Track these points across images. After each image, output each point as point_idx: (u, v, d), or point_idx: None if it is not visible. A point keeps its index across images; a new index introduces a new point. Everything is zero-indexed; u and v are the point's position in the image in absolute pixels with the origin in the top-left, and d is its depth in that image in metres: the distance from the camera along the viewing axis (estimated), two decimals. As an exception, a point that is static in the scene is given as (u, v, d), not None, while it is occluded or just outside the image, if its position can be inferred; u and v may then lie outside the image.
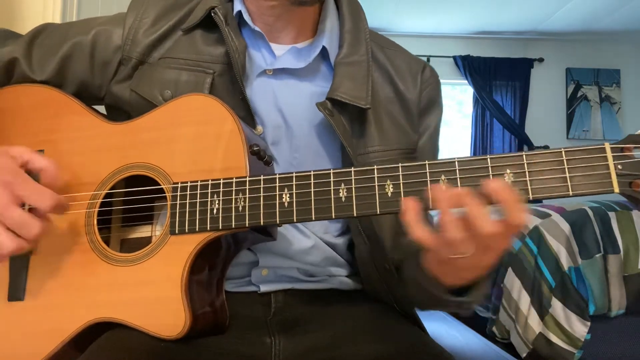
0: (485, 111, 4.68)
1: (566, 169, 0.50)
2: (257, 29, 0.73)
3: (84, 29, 0.75)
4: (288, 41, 0.76)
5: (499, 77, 4.70)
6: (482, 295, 0.60)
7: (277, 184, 0.57)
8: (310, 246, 0.72)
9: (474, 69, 4.66)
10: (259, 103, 0.71)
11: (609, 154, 0.50)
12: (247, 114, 0.69)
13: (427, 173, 0.53)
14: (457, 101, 4.94)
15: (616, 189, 0.49)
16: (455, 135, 4.83)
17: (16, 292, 0.64)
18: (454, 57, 4.73)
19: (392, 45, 0.83)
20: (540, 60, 4.80)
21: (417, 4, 4.15)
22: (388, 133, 0.74)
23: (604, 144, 0.50)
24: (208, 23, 0.72)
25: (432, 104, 0.80)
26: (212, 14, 0.70)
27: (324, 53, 0.74)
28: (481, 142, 4.66)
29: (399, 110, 0.76)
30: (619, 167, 0.49)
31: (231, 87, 0.70)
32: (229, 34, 0.69)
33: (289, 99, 0.72)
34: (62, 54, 0.73)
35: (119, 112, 0.74)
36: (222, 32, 0.70)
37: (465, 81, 4.69)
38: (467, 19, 4.48)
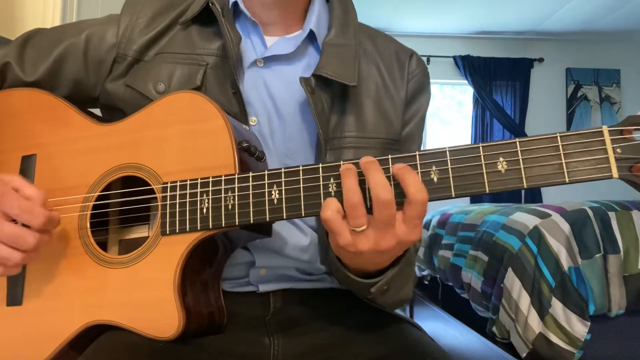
0: (485, 111, 4.68)
1: (562, 155, 0.48)
2: (253, 20, 0.74)
3: (76, 30, 0.75)
4: (278, 33, 0.77)
5: (499, 77, 4.70)
6: (392, 288, 0.62)
7: (266, 181, 0.56)
8: (307, 244, 0.71)
9: (474, 69, 4.66)
10: (251, 94, 0.72)
11: (607, 138, 0.47)
12: (240, 106, 0.69)
13: (418, 164, 0.51)
14: (457, 101, 4.94)
15: (615, 174, 0.47)
16: (455, 135, 4.83)
17: (14, 297, 0.64)
18: (454, 57, 4.73)
19: (380, 35, 0.84)
20: (540, 60, 4.80)
21: (417, 3, 4.15)
22: (367, 121, 0.74)
23: (601, 128, 0.47)
24: (204, 17, 0.73)
25: (419, 92, 0.80)
26: (210, 5, 0.71)
27: (312, 37, 0.75)
28: (481, 142, 4.65)
29: (385, 99, 0.77)
30: (618, 150, 0.47)
31: (223, 79, 0.71)
32: (225, 25, 0.70)
33: (279, 86, 0.73)
34: (56, 55, 0.73)
35: (113, 110, 0.74)
36: (219, 23, 0.70)
37: (465, 81, 4.69)
38: (467, 19, 4.48)
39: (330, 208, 0.51)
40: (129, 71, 0.73)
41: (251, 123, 0.71)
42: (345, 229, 0.51)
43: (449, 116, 4.90)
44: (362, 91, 0.75)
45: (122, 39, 0.73)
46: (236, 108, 0.70)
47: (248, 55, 0.74)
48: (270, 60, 0.74)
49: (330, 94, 0.71)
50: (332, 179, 0.54)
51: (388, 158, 0.52)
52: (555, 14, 4.30)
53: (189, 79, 0.70)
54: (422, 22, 4.55)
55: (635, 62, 4.81)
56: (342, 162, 0.53)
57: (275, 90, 0.73)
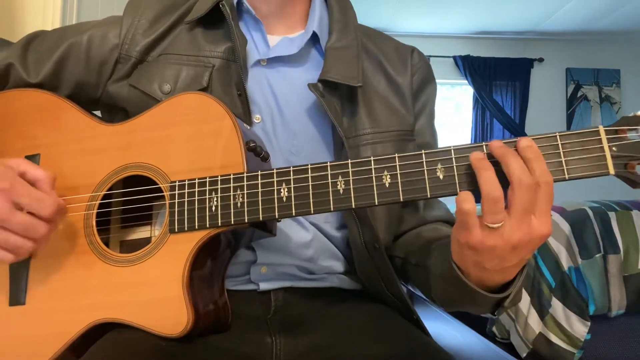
0: (485, 111, 4.68)
1: (561, 153, 0.51)
2: (257, 17, 0.75)
3: (78, 31, 0.76)
4: (280, 33, 0.78)
5: (499, 77, 4.70)
6: (517, 296, 0.57)
7: (275, 179, 0.57)
8: (309, 239, 0.72)
9: (474, 69, 4.66)
10: (255, 93, 0.73)
11: (603, 137, 0.50)
12: (244, 107, 0.70)
13: (424, 162, 0.53)
14: (457, 101, 4.94)
15: (611, 171, 0.50)
16: (455, 135, 4.83)
17: (17, 296, 0.64)
18: (454, 57, 4.73)
19: (380, 34, 0.85)
20: (540, 60, 4.80)
21: (417, 4, 4.15)
22: (379, 116, 0.75)
23: (598, 127, 0.50)
24: (210, 19, 0.74)
25: (425, 84, 0.82)
26: (220, 6, 0.72)
27: (314, 39, 0.77)
28: (481, 142, 4.65)
29: (392, 94, 0.78)
30: (614, 149, 0.50)
31: (228, 80, 0.72)
32: (234, 28, 0.71)
33: (283, 86, 0.74)
34: (58, 55, 0.74)
35: (116, 111, 0.74)
36: (227, 25, 0.71)
37: (465, 81, 4.68)
38: (467, 19, 4.48)
39: (471, 200, 0.49)
40: (133, 72, 0.73)
41: (255, 121, 0.72)
42: (477, 225, 0.49)
43: (449, 116, 4.90)
44: (370, 89, 0.76)
45: (124, 40, 0.73)
46: (240, 109, 0.70)
47: (251, 54, 0.75)
48: (274, 60, 0.75)
49: (338, 97, 0.73)
50: (340, 176, 0.55)
51: (394, 157, 0.54)
52: (555, 14, 4.30)
53: (195, 80, 0.71)
54: (422, 22, 4.55)
55: (635, 62, 4.81)
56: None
57: (279, 90, 0.74)
